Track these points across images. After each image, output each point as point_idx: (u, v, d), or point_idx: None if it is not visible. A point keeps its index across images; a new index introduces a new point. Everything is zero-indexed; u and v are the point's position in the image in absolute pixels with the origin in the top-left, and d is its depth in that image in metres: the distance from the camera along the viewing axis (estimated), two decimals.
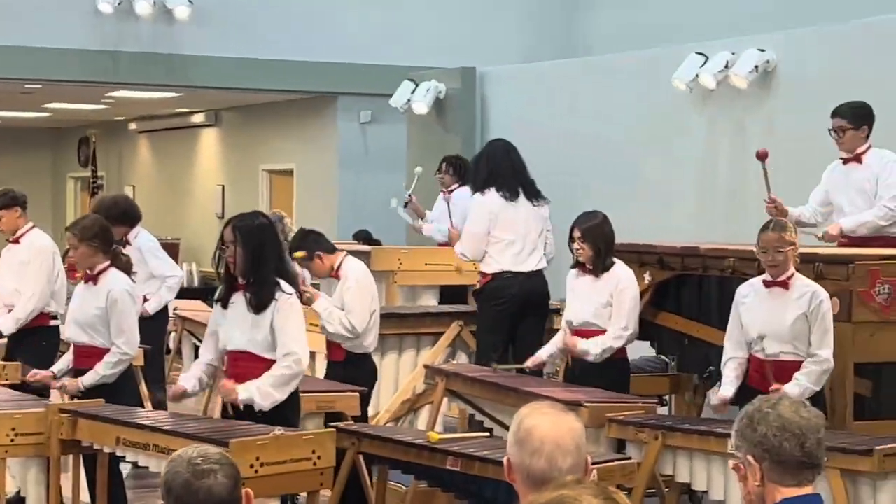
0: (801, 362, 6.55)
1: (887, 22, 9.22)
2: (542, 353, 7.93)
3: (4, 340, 8.55)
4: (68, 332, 7.20)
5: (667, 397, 8.80)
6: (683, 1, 13.16)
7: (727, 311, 7.67)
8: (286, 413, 6.35)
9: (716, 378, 8.09)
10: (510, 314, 8.80)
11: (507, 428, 7.12)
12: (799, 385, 6.46)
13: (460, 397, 7.76)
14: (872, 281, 6.91)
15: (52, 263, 8.67)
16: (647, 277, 8.08)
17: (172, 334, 10.79)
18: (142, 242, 9.30)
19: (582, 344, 7.56)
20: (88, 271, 7.05)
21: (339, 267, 7.75)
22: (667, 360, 8.94)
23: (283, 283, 6.36)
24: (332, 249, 7.81)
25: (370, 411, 8.17)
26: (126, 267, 7.14)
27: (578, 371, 7.63)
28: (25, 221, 8.72)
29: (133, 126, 19.75)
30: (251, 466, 5.57)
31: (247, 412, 6.29)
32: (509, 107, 12.27)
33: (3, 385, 7.59)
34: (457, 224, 10.14)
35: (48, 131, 22.07)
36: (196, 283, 17.33)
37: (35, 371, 7.28)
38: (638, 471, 6.28)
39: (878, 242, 7.76)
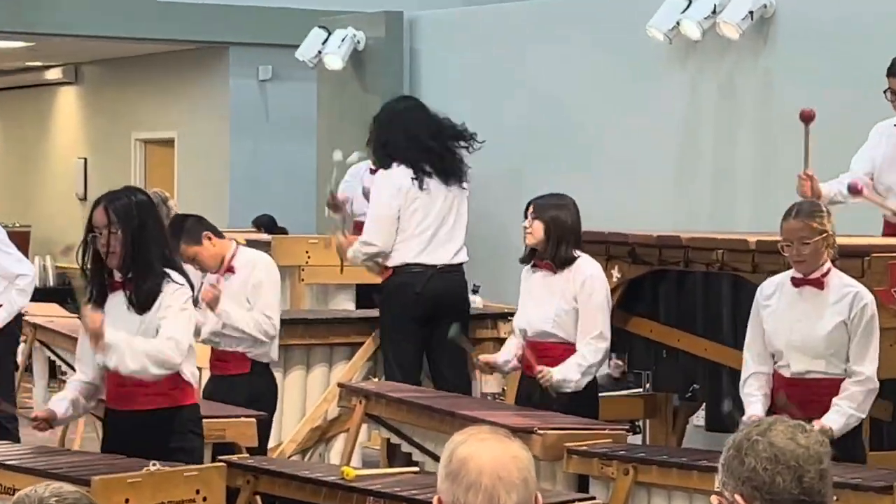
0: (836, 381, 6.52)
1: None
2: (499, 357, 7.93)
3: None
4: None
5: (640, 423, 8.85)
6: None
7: (715, 315, 7.74)
8: (190, 441, 6.34)
9: (700, 398, 8.16)
10: (419, 318, 8.81)
11: (439, 461, 7.18)
12: (842, 413, 6.38)
13: (383, 423, 7.77)
14: (893, 278, 6.97)
15: None
16: (615, 274, 8.11)
17: (21, 345, 10.70)
18: None
19: (556, 374, 7.47)
20: None
21: (231, 258, 7.72)
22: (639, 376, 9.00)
23: (172, 273, 6.32)
24: (220, 234, 7.82)
25: (271, 441, 8.16)
26: None
27: (538, 396, 7.59)
28: None
29: None
30: None
31: (137, 434, 6.23)
32: (444, 61, 12.27)
33: None
34: None
35: None
36: (51, 282, 17.22)
37: None
38: None
39: None
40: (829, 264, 6.53)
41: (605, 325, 7.59)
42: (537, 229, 7.58)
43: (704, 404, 8.20)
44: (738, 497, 3.55)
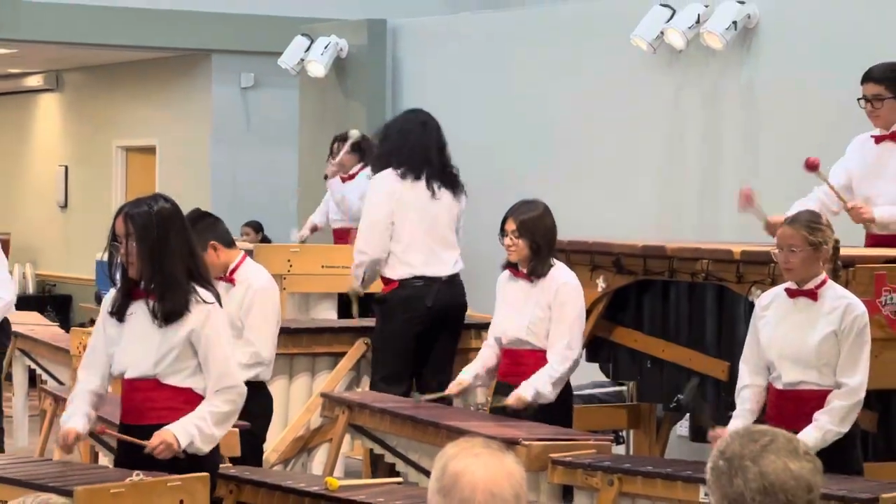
0: (826, 393, 6.49)
1: None
2: (466, 376, 7.90)
3: None
4: None
5: (624, 433, 8.84)
6: None
7: (700, 325, 7.73)
8: (211, 453, 6.24)
9: (685, 409, 8.15)
10: (422, 331, 8.79)
11: (423, 472, 7.15)
12: (820, 429, 6.38)
13: (366, 433, 7.75)
14: (878, 288, 6.97)
15: None
16: (600, 284, 8.10)
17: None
18: None
19: (528, 392, 7.44)
20: None
21: (234, 269, 7.63)
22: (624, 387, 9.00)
23: (199, 289, 6.14)
24: (230, 243, 7.73)
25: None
26: None
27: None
28: None
29: None
30: None
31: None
32: (426, 69, 12.27)
33: None
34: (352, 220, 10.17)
35: None
36: (31, 290, 17.18)
37: None
38: None
39: None
40: (823, 276, 6.52)
41: (576, 334, 7.58)
42: (521, 246, 7.57)
43: (688, 415, 8.19)
44: None
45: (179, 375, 6.13)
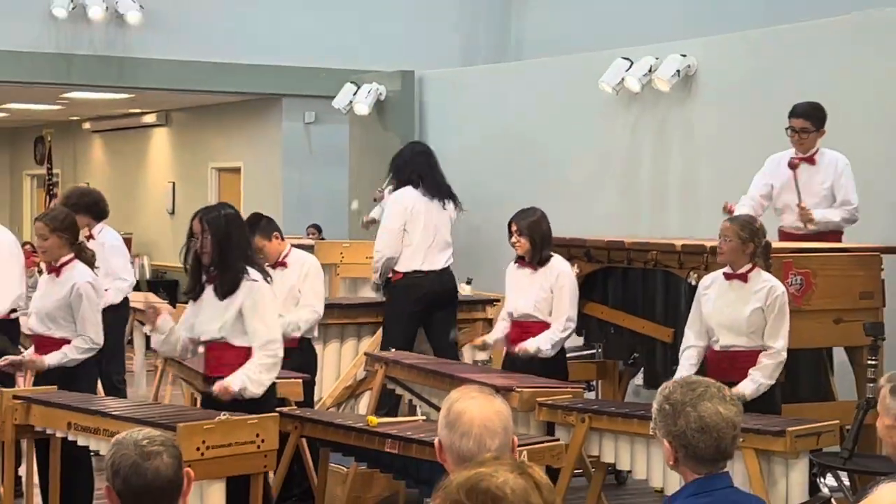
0: (753, 353, 6.50)
1: (802, 28, 9.29)
2: (489, 338, 7.92)
3: None
4: (30, 322, 7.09)
5: (594, 383, 8.84)
6: (609, 9, 13.22)
7: (651, 301, 7.74)
8: (268, 397, 6.25)
9: (640, 364, 8.15)
10: (420, 310, 8.79)
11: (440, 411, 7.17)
12: (754, 382, 6.41)
13: (399, 383, 7.76)
14: (786, 272, 6.97)
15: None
16: (575, 270, 8.10)
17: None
18: (107, 238, 9.16)
19: (531, 345, 7.48)
20: (52, 263, 6.94)
21: (286, 255, 7.71)
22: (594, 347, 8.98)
23: (251, 269, 6.20)
24: (282, 236, 7.78)
25: (315, 397, 8.14)
26: (90, 261, 7.01)
27: (521, 363, 7.57)
28: None
29: (87, 126, 19.56)
30: (197, 449, 5.53)
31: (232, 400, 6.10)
32: (446, 108, 12.27)
33: None
34: None
35: (5, 130, 21.82)
36: (147, 276, 17.21)
37: (6, 357, 7.10)
38: (566, 452, 6.28)
39: (825, 238, 7.75)
40: (751, 264, 6.54)
41: (572, 309, 7.59)
42: (524, 243, 7.59)
43: (642, 368, 8.18)
44: (666, 442, 3.56)
45: (239, 338, 6.17)
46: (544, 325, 7.57)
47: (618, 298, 8.02)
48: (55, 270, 6.91)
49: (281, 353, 6.22)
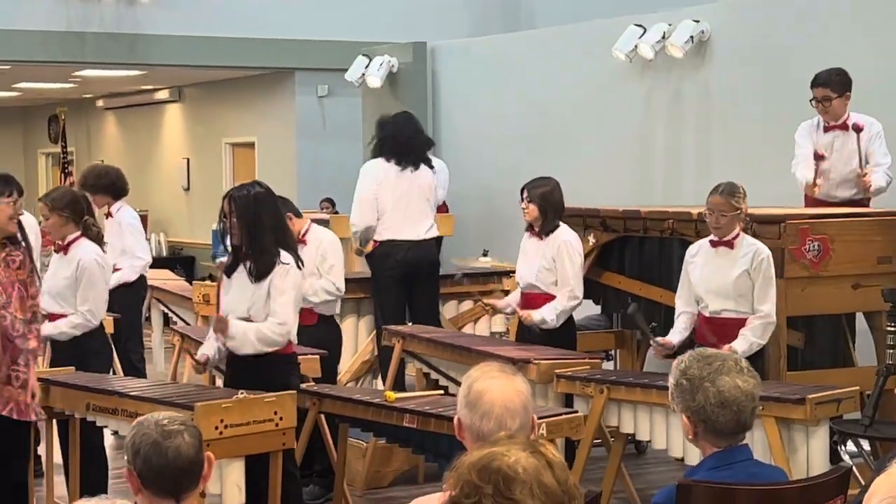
0: (742, 320, 6.51)
1: None
2: (500, 303, 7.91)
3: None
4: (43, 302, 7.09)
5: (612, 353, 8.82)
6: None
7: (667, 269, 7.70)
8: (290, 378, 6.24)
9: (659, 334, 8.12)
10: (400, 280, 8.75)
11: (460, 385, 7.15)
12: (746, 340, 6.44)
13: (416, 357, 7.75)
14: (803, 238, 6.93)
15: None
16: (591, 239, 8.08)
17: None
18: (124, 217, 9.17)
19: (536, 315, 7.45)
20: (59, 241, 6.95)
21: (305, 232, 7.67)
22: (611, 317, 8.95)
23: (283, 252, 6.14)
24: (299, 214, 7.74)
25: None
26: (97, 238, 7.01)
27: (529, 333, 7.56)
28: None
29: (100, 103, 19.56)
30: (216, 428, 5.52)
31: (251, 375, 6.10)
32: (458, 79, 12.22)
33: None
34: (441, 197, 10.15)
35: (19, 109, 21.85)
36: (164, 253, 17.24)
37: None
38: (585, 423, 6.26)
39: (851, 205, 7.69)
40: (737, 230, 6.54)
41: (576, 281, 7.50)
42: (532, 210, 7.55)
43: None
44: (685, 416, 3.54)
45: (263, 318, 6.14)
46: (548, 297, 7.51)
47: (635, 268, 7.99)
48: (63, 249, 6.93)
49: (284, 341, 6.18)
